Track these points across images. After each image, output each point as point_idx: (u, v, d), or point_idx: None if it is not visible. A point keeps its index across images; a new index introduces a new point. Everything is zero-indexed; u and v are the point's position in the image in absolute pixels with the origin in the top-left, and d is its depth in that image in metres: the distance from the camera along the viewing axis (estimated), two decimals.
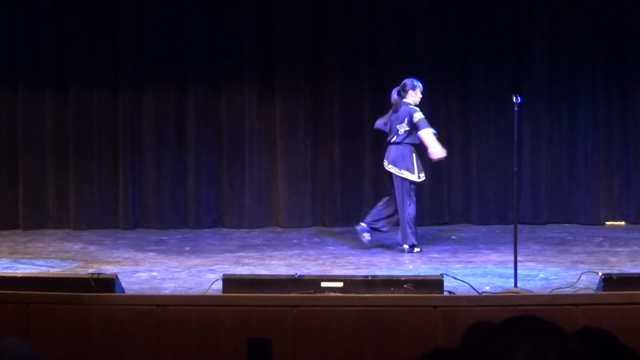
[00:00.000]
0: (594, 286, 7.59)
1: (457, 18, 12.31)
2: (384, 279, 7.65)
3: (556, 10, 12.20)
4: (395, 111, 10.20)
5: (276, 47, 12.30)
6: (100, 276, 7.55)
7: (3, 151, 12.33)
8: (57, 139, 12.33)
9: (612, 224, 12.17)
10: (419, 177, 10.12)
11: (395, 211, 10.07)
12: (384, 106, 12.35)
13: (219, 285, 7.62)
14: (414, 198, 10.07)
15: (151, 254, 10.36)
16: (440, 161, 10.53)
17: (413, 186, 10.07)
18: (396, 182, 10.06)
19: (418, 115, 10.07)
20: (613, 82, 12.25)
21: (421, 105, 12.43)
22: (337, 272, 8.92)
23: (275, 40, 12.30)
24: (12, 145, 12.32)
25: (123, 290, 7.59)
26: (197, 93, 12.35)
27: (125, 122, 12.31)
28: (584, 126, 12.24)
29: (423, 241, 11.04)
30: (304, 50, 12.26)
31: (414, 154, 10.09)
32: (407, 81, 10.25)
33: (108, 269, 8.98)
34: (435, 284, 7.41)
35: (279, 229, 11.70)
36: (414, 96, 10.20)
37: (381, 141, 12.39)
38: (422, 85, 10.29)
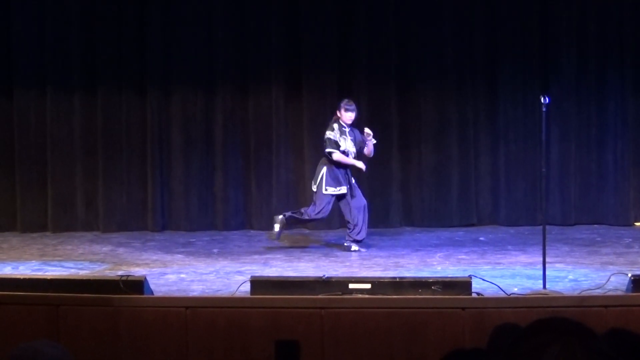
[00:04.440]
0: (624, 287, 7.55)
1: (484, 18, 12.27)
2: (412, 280, 7.63)
3: (584, 10, 12.14)
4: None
5: (303, 48, 12.31)
6: (129, 278, 7.60)
7: (32, 154, 12.42)
8: (86, 142, 12.40)
9: None
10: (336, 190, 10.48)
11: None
12: (412, 107, 12.37)
13: (247, 287, 7.64)
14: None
15: (180, 256, 10.40)
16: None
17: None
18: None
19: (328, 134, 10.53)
20: None
21: (446, 107, 12.44)
22: (364, 273, 8.92)
23: (302, 42, 12.32)
24: (41, 148, 12.40)
25: (152, 292, 7.62)
26: (224, 95, 12.39)
27: (154, 124, 12.37)
28: (612, 126, 12.17)
29: (452, 242, 11.04)
30: (330, 52, 12.27)
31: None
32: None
33: (137, 271, 9.01)
34: (463, 285, 7.39)
35: (307, 231, 11.71)
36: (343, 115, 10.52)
37: (409, 142, 12.40)
38: (348, 106, 10.52)
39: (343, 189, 10.47)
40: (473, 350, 2.84)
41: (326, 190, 10.44)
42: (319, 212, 10.51)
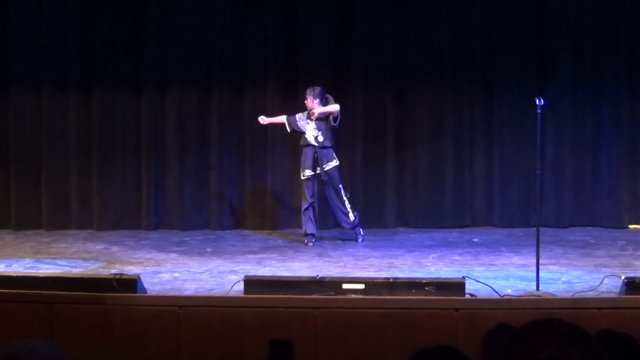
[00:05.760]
0: (617, 290, 7.56)
1: (481, 20, 12.28)
2: (406, 281, 7.63)
3: (581, 13, 12.15)
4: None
5: (299, 48, 12.31)
6: (123, 277, 7.60)
7: (27, 151, 12.41)
8: (81, 140, 12.39)
9: (636, 228, 12.10)
10: (302, 176, 11.01)
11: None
12: (408, 107, 12.38)
13: (240, 287, 7.64)
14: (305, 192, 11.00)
15: (173, 254, 10.39)
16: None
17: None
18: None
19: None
20: (638, 84, 12.18)
21: (442, 108, 12.45)
22: (358, 274, 8.92)
23: (299, 42, 12.32)
24: (36, 145, 12.39)
25: (145, 291, 7.62)
26: (220, 94, 12.38)
27: (149, 123, 12.36)
28: (607, 129, 12.18)
29: (445, 243, 11.04)
30: (327, 52, 12.27)
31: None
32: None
33: (130, 270, 9.01)
34: (456, 286, 7.40)
35: (301, 231, 11.70)
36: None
37: (404, 142, 12.40)
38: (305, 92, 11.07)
39: (307, 173, 10.93)
40: (439, 348, 2.86)
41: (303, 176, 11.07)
42: (302, 202, 11.04)
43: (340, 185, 10.95)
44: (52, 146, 12.36)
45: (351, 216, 10.94)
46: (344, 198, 10.91)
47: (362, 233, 11.09)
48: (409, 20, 12.29)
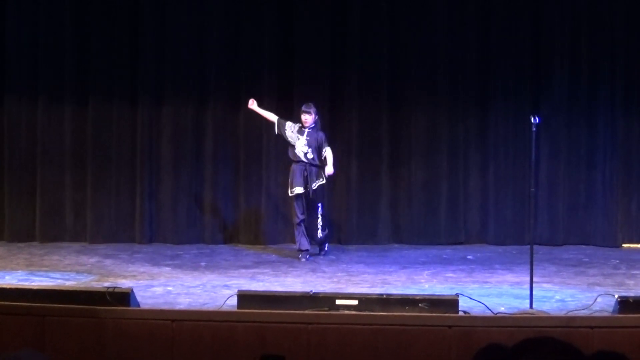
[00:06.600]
0: (610, 309, 7.56)
1: (476, 37, 12.32)
2: (399, 297, 7.63)
3: (576, 31, 12.19)
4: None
5: (295, 63, 12.34)
6: (116, 290, 7.57)
7: (22, 163, 12.39)
8: (76, 152, 12.39)
9: (630, 246, 12.11)
10: (291, 192, 11.01)
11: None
12: (402, 124, 12.39)
13: (233, 301, 7.63)
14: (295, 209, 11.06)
15: (167, 268, 10.38)
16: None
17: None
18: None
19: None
20: (632, 103, 12.21)
21: (437, 125, 12.45)
22: (352, 290, 8.92)
23: (295, 57, 12.34)
24: (31, 157, 12.38)
25: (138, 305, 7.60)
26: (215, 108, 12.39)
27: (144, 136, 12.36)
28: (602, 147, 12.19)
29: (439, 260, 11.03)
30: (323, 67, 12.29)
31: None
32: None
33: (123, 283, 9.00)
34: (450, 303, 7.39)
35: (295, 246, 11.70)
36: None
37: (398, 158, 12.40)
38: (304, 108, 11.02)
39: (296, 190, 10.93)
40: None
41: (291, 192, 11.06)
42: (294, 218, 11.06)
43: (320, 204, 10.99)
44: (46, 158, 12.35)
45: (320, 233, 11.06)
46: (319, 216, 10.98)
47: (326, 249, 11.29)
48: (405, 36, 12.32)
